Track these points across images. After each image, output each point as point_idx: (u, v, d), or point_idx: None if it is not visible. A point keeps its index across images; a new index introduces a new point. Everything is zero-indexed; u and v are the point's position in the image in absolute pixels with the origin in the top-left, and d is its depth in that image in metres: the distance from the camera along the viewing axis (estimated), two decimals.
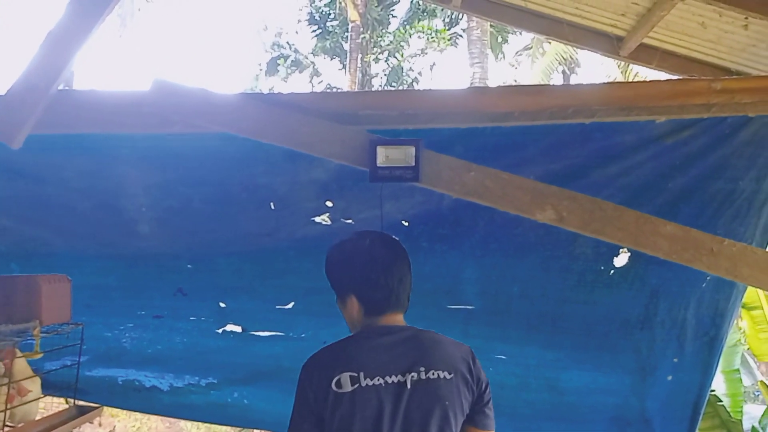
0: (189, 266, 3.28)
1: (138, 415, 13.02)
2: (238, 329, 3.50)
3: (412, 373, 1.88)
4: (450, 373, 1.93)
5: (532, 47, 21.53)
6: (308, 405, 1.90)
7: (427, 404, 1.88)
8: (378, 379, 1.85)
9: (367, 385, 1.84)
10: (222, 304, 3.41)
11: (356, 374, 1.85)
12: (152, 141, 2.69)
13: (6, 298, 2.48)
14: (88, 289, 3.27)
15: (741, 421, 5.33)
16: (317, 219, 2.99)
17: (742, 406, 5.61)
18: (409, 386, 1.87)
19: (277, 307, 3.35)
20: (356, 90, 17.46)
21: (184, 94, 2.47)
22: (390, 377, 1.86)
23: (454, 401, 1.92)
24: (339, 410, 1.84)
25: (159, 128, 2.54)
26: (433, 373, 1.90)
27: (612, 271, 2.93)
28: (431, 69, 23.67)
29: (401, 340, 1.96)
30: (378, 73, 22.67)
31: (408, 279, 2.12)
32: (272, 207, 2.96)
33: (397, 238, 2.29)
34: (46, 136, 2.59)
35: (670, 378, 3.12)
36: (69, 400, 2.99)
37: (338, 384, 1.84)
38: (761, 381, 6.25)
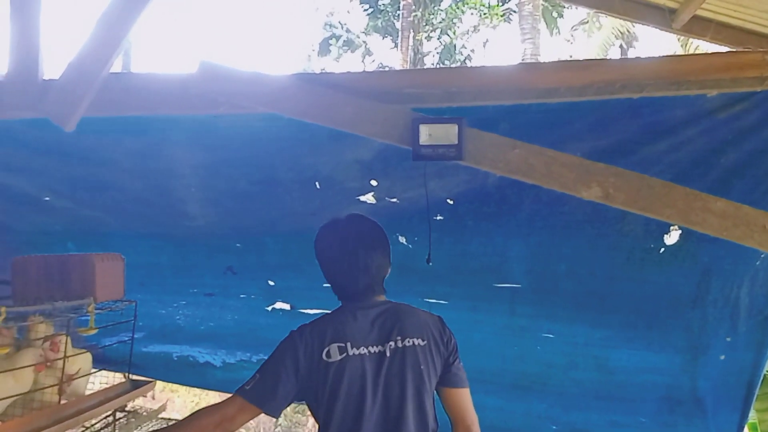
0: (237, 245, 3.35)
1: (197, 390, 13.38)
2: (286, 307, 3.56)
3: (390, 342, 2.07)
4: (423, 340, 2.11)
5: (588, 21, 21.05)
6: (294, 362, 2.04)
7: (404, 370, 2.06)
8: (363, 349, 2.04)
9: (353, 354, 2.02)
10: (271, 282, 3.48)
11: (344, 345, 2.03)
12: (199, 122, 2.73)
13: (61, 276, 2.57)
14: (141, 268, 3.36)
15: None
16: (362, 198, 3.00)
17: None
18: (388, 354, 2.06)
19: (324, 285, 3.37)
20: (399, 68, 17.37)
21: (229, 75, 2.50)
22: (372, 347, 2.06)
23: (428, 365, 2.11)
24: (327, 378, 2.02)
25: (205, 110, 2.58)
26: (408, 341, 2.08)
27: (662, 249, 2.88)
28: (484, 46, 23.41)
29: (380, 313, 2.13)
30: (430, 51, 22.49)
31: (378, 263, 2.20)
32: (317, 186, 2.99)
33: (373, 221, 2.32)
34: (98, 119, 2.65)
35: (722, 357, 3.05)
36: (125, 374, 3.09)
37: (328, 354, 2.02)
38: None
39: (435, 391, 2.20)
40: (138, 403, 3.22)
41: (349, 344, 2.03)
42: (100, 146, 2.93)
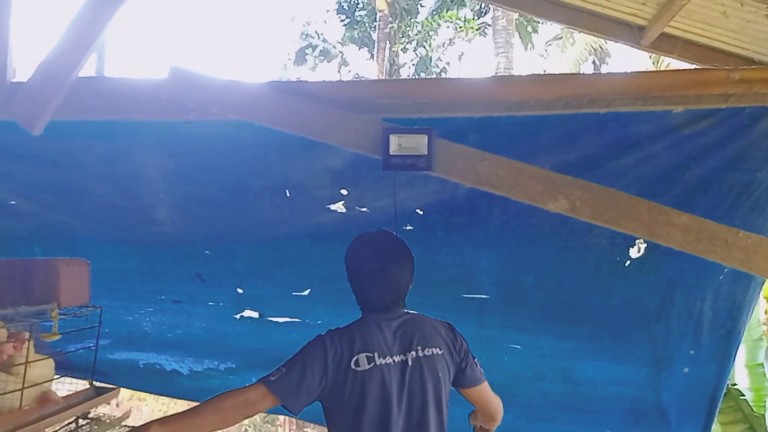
0: (206, 252, 3.33)
1: (165, 400, 13.25)
2: (255, 315, 3.55)
3: (411, 352, 2.16)
4: (440, 349, 2.21)
5: (561, 37, 21.28)
6: (322, 365, 2.09)
7: (425, 378, 2.16)
8: (388, 359, 2.12)
9: (380, 363, 2.10)
10: (239, 290, 3.46)
11: (372, 354, 2.11)
12: (169, 128, 2.72)
13: (25, 281, 2.54)
14: (108, 274, 3.34)
15: (764, 415, 5.28)
16: (332, 207, 3.00)
17: (765, 401, 5.55)
18: (410, 363, 2.15)
19: (294, 293, 3.39)
20: (370, 78, 17.43)
21: (200, 82, 2.50)
22: (395, 357, 2.14)
23: (445, 372, 2.22)
24: (355, 386, 2.09)
25: (176, 115, 2.57)
26: (428, 351, 2.18)
27: (628, 262, 2.91)
28: (459, 59, 23.53)
29: (401, 324, 2.21)
30: (406, 63, 22.59)
31: (407, 280, 2.29)
32: (288, 194, 2.99)
33: (399, 238, 2.37)
34: (66, 123, 2.63)
35: (686, 370, 3.10)
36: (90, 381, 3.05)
37: (356, 363, 2.09)
38: None
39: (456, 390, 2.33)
40: (102, 410, 3.18)
41: (376, 354, 2.11)
42: (69, 150, 2.89)
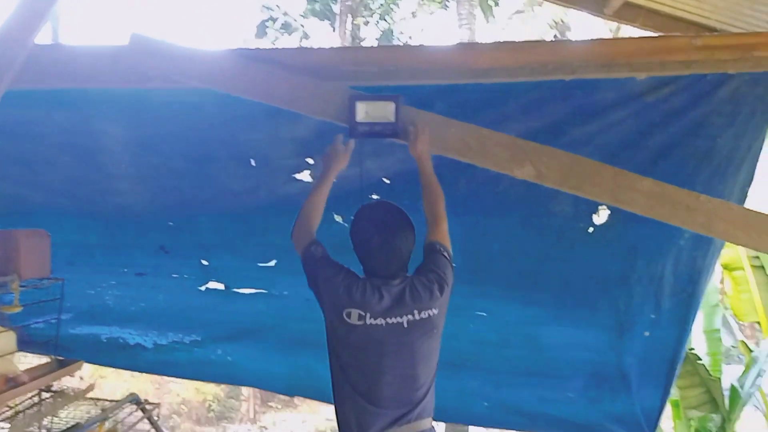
0: (170, 224, 3.28)
1: (126, 375, 13.15)
2: (220, 287, 3.52)
3: (408, 315, 2.25)
4: (436, 309, 2.29)
5: (523, 11, 21.30)
6: (338, 270, 2.29)
7: (418, 338, 2.27)
8: (380, 320, 2.21)
9: (370, 323, 2.21)
10: (204, 262, 3.42)
11: (363, 314, 2.21)
12: (131, 96, 2.66)
13: None
14: (69, 247, 3.27)
15: (720, 379, 5.42)
16: (298, 176, 2.98)
17: (721, 365, 5.70)
18: (405, 326, 2.24)
19: (259, 264, 3.36)
20: (336, 46, 17.28)
21: (162, 49, 2.44)
22: (390, 319, 2.23)
23: (439, 323, 2.34)
24: (344, 335, 2.25)
25: (137, 83, 2.51)
26: (425, 313, 2.27)
27: (591, 229, 2.95)
28: (422, 32, 23.41)
29: (401, 289, 2.27)
30: (367, 37, 22.40)
31: (410, 248, 2.36)
32: (253, 164, 2.95)
33: (400, 208, 2.40)
34: (24, 92, 2.55)
35: (647, 334, 3.16)
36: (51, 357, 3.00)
37: (348, 315, 2.21)
38: (741, 341, 6.34)
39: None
40: (66, 383, 3.14)
41: (368, 315, 2.21)
42: (27, 120, 2.82)
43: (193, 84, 2.47)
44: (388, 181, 2.98)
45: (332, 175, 2.43)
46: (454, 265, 2.44)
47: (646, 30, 3.44)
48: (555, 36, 20.72)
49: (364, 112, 2.38)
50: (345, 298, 2.23)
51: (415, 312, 2.26)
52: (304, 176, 2.98)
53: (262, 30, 23.37)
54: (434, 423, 2.41)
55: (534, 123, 2.69)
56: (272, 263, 3.35)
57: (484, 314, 3.30)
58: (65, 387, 3.01)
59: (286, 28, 23.19)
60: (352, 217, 2.38)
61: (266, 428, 15.60)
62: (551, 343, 3.31)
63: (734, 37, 2.58)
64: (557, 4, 3.90)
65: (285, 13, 23.36)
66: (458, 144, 2.40)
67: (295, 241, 2.40)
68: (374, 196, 2.96)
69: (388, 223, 2.31)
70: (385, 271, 2.28)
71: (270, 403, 16.62)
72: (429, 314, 2.29)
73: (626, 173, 2.36)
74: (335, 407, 2.35)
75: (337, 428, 2.35)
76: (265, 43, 23.14)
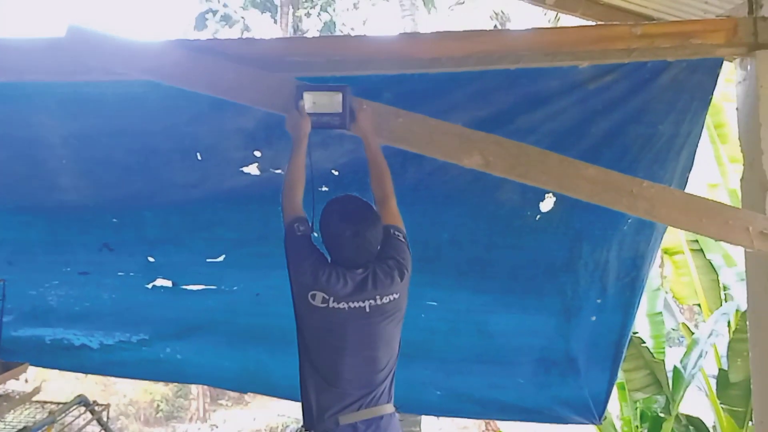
0: (114, 220, 3.20)
1: (71, 377, 12.84)
2: (168, 284, 3.45)
3: (370, 300, 2.30)
4: (397, 294, 2.36)
5: (464, 2, 21.47)
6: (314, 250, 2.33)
7: (380, 321, 2.33)
8: (343, 304, 2.26)
9: (333, 307, 2.26)
10: (150, 259, 3.35)
11: (327, 297, 2.26)
12: (69, 88, 2.59)
13: None
14: (8, 245, 3.18)
15: (663, 361, 5.55)
16: (245, 169, 2.94)
17: (664, 348, 5.84)
18: (368, 310, 2.30)
19: (208, 260, 3.32)
20: (282, 36, 17.15)
21: (102, 40, 2.39)
22: (353, 303, 2.28)
23: (402, 306, 2.41)
24: (312, 318, 2.30)
25: (76, 75, 2.46)
26: (386, 298, 2.33)
27: (538, 216, 3.00)
28: (364, 24, 23.36)
29: (365, 276, 2.31)
30: (309, 29, 22.25)
31: (379, 240, 2.38)
32: (198, 157, 2.91)
33: (367, 203, 2.42)
34: None
35: (593, 319, 3.23)
36: None
37: (313, 297, 2.26)
38: (683, 323, 6.51)
39: None
40: (10, 386, 3.04)
41: (332, 299, 2.26)
42: None
43: (136, 76, 2.43)
44: (336, 173, 2.97)
45: (303, 141, 2.40)
46: (409, 244, 2.46)
47: (586, 20, 3.49)
48: (496, 27, 20.95)
49: (311, 102, 2.37)
50: (311, 281, 2.26)
51: (377, 297, 2.32)
52: (252, 169, 2.94)
53: (201, 22, 22.98)
54: None
55: (480, 112, 2.72)
56: (221, 258, 3.31)
57: (435, 303, 3.32)
58: (10, 390, 2.92)
59: (227, 20, 22.87)
60: (322, 211, 2.38)
61: (216, 426, 15.42)
62: (500, 330, 3.35)
63: (673, 25, 2.65)
64: None
65: (225, 5, 23.03)
66: (406, 134, 2.41)
67: (283, 212, 2.40)
68: (323, 188, 2.95)
69: (359, 218, 2.32)
70: (353, 263, 2.31)
71: (220, 401, 16.44)
72: (390, 299, 2.35)
73: (571, 161, 2.40)
74: (300, 387, 2.37)
75: (287, 424, 2.38)
76: (205, 36, 22.77)
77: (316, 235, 2.38)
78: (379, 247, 2.39)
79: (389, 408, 2.38)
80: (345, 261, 2.31)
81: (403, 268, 2.40)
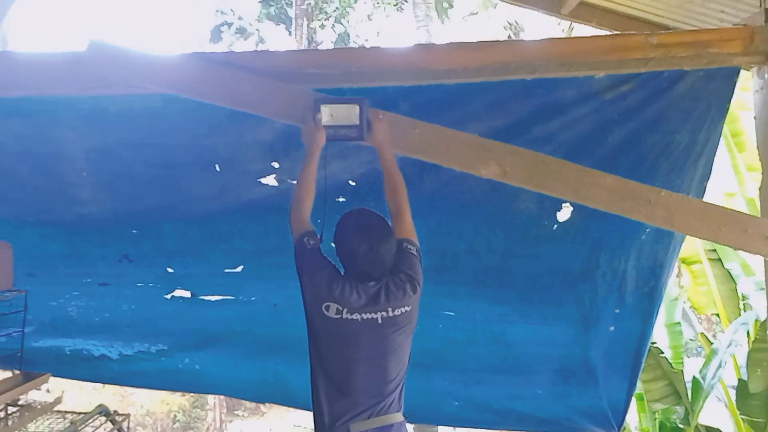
0: (134, 232, 3.24)
1: (89, 387, 12.93)
2: (187, 294, 3.48)
3: (382, 312, 2.32)
4: (408, 306, 2.38)
5: (477, 13, 21.51)
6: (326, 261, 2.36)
7: (392, 333, 2.35)
8: (356, 315, 2.29)
9: (346, 318, 2.28)
10: (169, 270, 3.38)
11: (341, 308, 2.29)
12: (90, 102, 2.63)
13: None
14: (29, 258, 3.21)
15: (682, 372, 5.51)
16: (264, 180, 2.97)
17: (683, 358, 5.79)
18: (380, 321, 2.32)
19: (226, 270, 3.34)
20: (299, 49, 17.24)
21: (121, 55, 2.42)
22: (366, 314, 2.30)
23: (413, 318, 2.42)
24: (325, 329, 2.32)
25: (97, 90, 2.49)
26: (398, 311, 2.35)
27: (555, 226, 2.99)
28: (378, 35, 23.47)
29: (378, 289, 2.33)
30: (323, 40, 22.38)
31: (392, 254, 2.38)
32: (217, 169, 2.93)
33: (381, 216, 2.41)
34: None
35: (612, 328, 3.21)
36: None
37: (327, 308, 2.29)
38: (701, 333, 6.46)
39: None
40: (32, 396, 3.07)
41: (345, 310, 2.28)
42: None
43: (155, 89, 2.46)
44: (353, 183, 2.98)
45: (315, 155, 2.42)
46: (425, 254, 2.48)
47: (601, 29, 3.51)
48: (509, 37, 20.98)
49: (328, 115, 2.39)
50: (326, 292, 2.29)
51: (389, 309, 2.34)
52: (270, 180, 2.96)
53: (216, 35, 23.21)
54: None
55: (497, 122, 2.72)
56: (239, 269, 3.33)
57: (452, 314, 3.32)
58: (32, 401, 2.95)
59: (242, 32, 23.09)
60: (337, 224, 2.39)
61: None
62: (519, 339, 3.34)
63: (689, 34, 2.64)
64: (514, 4, 3.95)
65: (240, 18, 23.24)
66: (423, 144, 2.42)
67: (291, 227, 2.42)
68: (340, 199, 2.97)
69: (374, 233, 2.33)
70: (368, 277, 2.32)
71: (236, 412, 16.48)
72: (402, 311, 2.36)
73: (588, 170, 2.41)
74: (312, 395, 2.39)
75: None
76: (220, 48, 22.99)
77: (333, 245, 2.39)
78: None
79: (399, 417, 2.41)
80: (359, 274, 2.33)
81: (415, 282, 2.42)
